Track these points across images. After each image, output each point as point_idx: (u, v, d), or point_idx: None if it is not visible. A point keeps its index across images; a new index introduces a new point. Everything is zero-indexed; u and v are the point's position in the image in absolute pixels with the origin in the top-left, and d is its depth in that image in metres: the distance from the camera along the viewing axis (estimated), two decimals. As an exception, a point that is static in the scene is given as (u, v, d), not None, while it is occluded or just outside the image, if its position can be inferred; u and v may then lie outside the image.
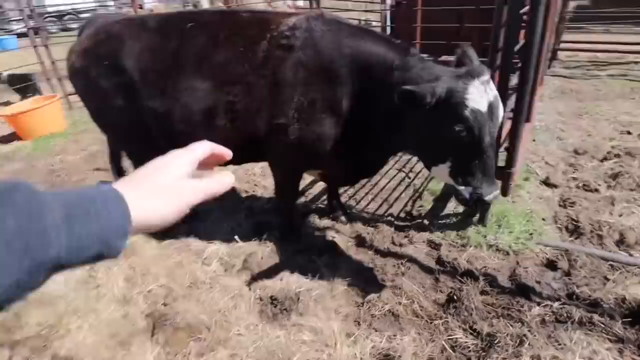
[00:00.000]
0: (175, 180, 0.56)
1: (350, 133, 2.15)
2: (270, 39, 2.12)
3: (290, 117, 2.11)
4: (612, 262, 2.50)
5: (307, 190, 3.66)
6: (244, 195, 3.60)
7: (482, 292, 2.39)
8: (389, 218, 3.17)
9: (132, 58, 2.26)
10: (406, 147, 2.29)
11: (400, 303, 2.33)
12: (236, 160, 3.33)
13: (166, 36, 2.28)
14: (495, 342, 2.06)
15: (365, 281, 2.53)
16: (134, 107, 2.33)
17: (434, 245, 2.80)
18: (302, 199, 3.48)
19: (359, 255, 2.77)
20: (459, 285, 2.43)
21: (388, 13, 5.78)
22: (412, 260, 2.66)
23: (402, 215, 3.20)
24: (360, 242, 2.88)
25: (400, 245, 2.83)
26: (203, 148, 0.63)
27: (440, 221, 3.03)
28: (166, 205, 0.54)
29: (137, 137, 2.51)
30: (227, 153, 0.68)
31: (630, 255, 2.54)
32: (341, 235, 2.94)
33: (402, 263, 2.63)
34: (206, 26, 2.28)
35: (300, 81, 2.06)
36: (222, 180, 0.62)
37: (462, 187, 1.87)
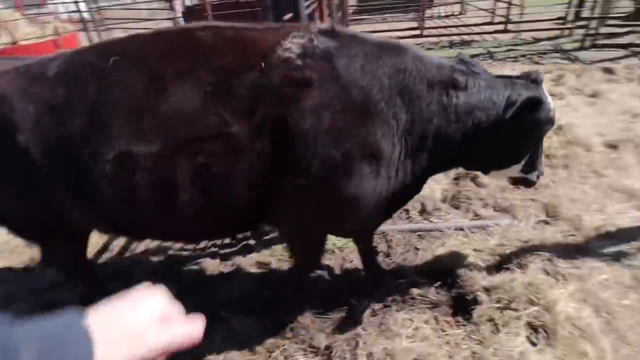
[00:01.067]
0: (145, 327, 0.55)
1: (401, 177, 1.69)
2: (263, 70, 1.46)
3: (316, 176, 1.51)
4: (419, 232, 2.73)
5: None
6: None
7: (315, 306, 2.27)
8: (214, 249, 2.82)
9: (25, 128, 1.48)
10: (462, 163, 1.97)
11: (233, 342, 2.04)
12: (213, 235, 2.28)
13: (77, 84, 1.50)
14: (333, 352, 1.97)
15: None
16: (36, 193, 1.61)
17: (262, 266, 2.58)
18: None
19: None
20: (292, 304, 2.27)
21: (182, 21, 5.36)
22: (242, 290, 2.39)
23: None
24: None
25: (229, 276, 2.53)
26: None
27: (266, 237, 2.83)
28: (129, 354, 0.53)
29: (45, 226, 1.79)
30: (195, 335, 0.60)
31: (431, 221, 2.84)
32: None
33: (230, 298, 2.33)
34: (143, 59, 1.53)
35: (327, 128, 1.47)
36: (191, 332, 0.59)
37: (529, 175, 1.97)
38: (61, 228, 1.79)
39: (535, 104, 1.66)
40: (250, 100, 1.45)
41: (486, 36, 8.02)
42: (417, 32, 7.81)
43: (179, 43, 1.58)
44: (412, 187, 1.82)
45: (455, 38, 8.16)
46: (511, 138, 1.78)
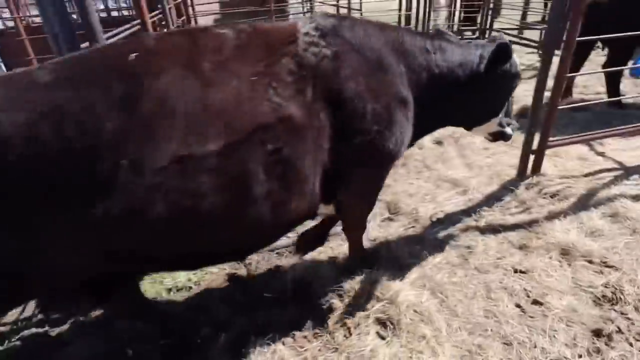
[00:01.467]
0: None
1: (416, 122, 1.98)
2: (297, 53, 1.61)
3: (369, 131, 1.74)
4: (277, 251, 2.70)
5: None
6: None
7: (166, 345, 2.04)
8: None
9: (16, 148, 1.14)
10: (451, 119, 2.35)
11: None
12: (285, 231, 1.92)
13: (92, 85, 1.26)
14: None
15: None
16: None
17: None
18: None
19: None
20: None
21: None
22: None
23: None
24: None
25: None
26: None
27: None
28: None
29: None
30: None
31: (288, 237, 2.83)
32: None
33: None
34: (170, 55, 1.42)
35: (365, 88, 1.71)
36: None
37: (507, 129, 2.36)
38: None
39: (503, 52, 2.03)
40: (295, 82, 1.56)
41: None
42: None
43: (202, 39, 1.53)
44: (414, 137, 2.09)
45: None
46: (487, 91, 2.17)
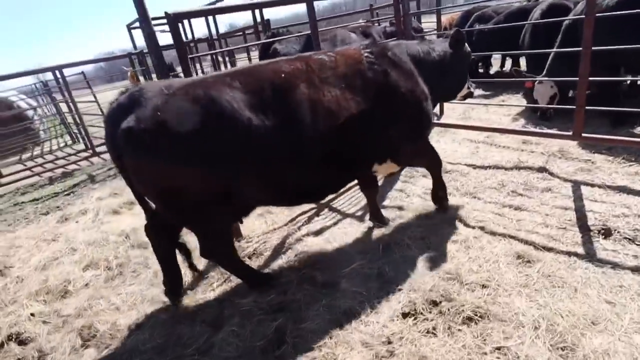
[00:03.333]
0: None
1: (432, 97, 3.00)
2: (363, 69, 2.68)
3: (411, 114, 2.83)
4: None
5: None
6: None
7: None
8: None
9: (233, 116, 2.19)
10: (444, 94, 3.50)
11: None
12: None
13: (264, 90, 2.33)
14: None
15: None
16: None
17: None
18: None
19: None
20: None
21: None
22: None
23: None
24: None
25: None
26: None
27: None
28: None
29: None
30: None
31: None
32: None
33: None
34: (299, 75, 2.48)
35: (405, 89, 2.76)
36: None
37: (472, 89, 3.60)
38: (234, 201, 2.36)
39: (459, 34, 3.16)
40: (365, 88, 2.59)
41: (82, 163, 7.71)
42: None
43: (310, 63, 2.54)
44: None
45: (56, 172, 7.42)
46: (459, 66, 3.29)
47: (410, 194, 3.84)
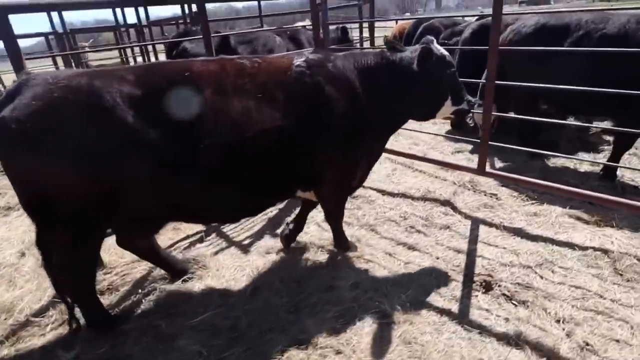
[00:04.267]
0: None
1: (382, 119, 2.56)
2: (290, 81, 2.27)
3: (344, 136, 2.39)
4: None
5: None
6: None
7: None
8: None
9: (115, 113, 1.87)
10: (412, 113, 2.72)
11: None
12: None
13: (160, 86, 2.01)
14: None
15: None
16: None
17: None
18: None
19: None
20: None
21: None
22: None
23: None
24: None
25: None
26: None
27: None
28: None
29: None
30: None
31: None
32: None
33: None
34: (209, 77, 2.16)
35: (341, 107, 2.32)
36: None
37: (462, 106, 2.69)
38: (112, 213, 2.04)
39: (426, 51, 2.40)
40: (287, 102, 2.19)
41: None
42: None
43: (227, 66, 2.18)
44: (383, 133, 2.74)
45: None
46: (431, 83, 2.50)
47: (309, 219, 3.51)
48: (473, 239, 3.08)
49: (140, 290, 2.76)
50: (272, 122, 2.14)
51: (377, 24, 9.42)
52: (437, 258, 2.89)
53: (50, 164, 1.82)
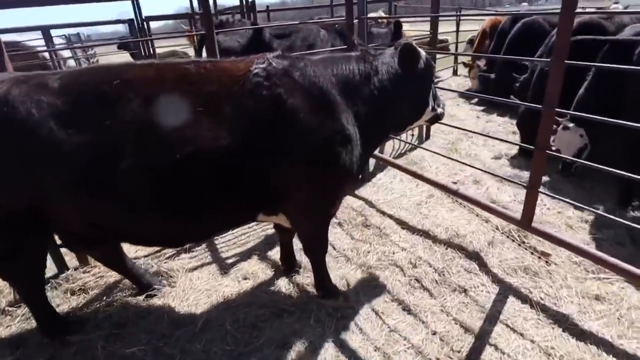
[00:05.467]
0: None
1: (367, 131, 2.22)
2: (242, 92, 1.89)
3: (309, 161, 2.01)
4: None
5: None
6: None
7: None
8: None
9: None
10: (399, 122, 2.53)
11: None
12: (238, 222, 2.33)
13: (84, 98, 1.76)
14: None
15: None
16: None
17: None
18: None
19: None
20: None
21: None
22: None
23: None
24: None
25: None
26: None
27: None
28: None
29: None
30: None
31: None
32: None
33: None
34: (141, 85, 1.82)
35: (307, 125, 1.95)
36: None
37: (439, 110, 2.60)
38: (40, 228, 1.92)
39: (411, 50, 2.23)
40: (237, 116, 1.83)
41: None
42: None
43: (170, 73, 1.87)
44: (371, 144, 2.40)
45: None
46: (414, 89, 2.37)
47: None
48: (493, 316, 2.32)
49: (104, 298, 2.66)
50: (213, 142, 1.78)
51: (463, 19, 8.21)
52: (434, 333, 2.24)
53: None
